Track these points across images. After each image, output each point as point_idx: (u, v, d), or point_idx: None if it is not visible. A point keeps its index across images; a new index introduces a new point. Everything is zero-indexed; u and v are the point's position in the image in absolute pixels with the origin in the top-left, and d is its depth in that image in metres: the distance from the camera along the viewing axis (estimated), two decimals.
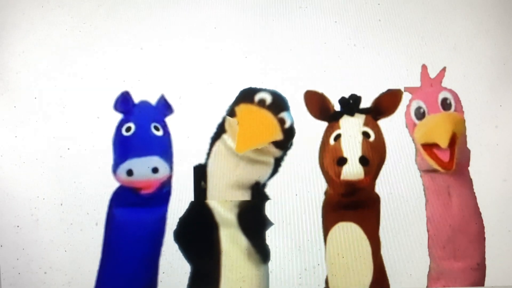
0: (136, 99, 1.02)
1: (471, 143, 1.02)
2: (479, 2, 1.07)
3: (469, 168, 1.02)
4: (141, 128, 1.00)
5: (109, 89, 1.02)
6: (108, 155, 1.00)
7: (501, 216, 1.01)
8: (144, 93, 1.02)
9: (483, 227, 1.00)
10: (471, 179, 1.02)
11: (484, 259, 1.00)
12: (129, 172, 0.98)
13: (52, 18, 1.03)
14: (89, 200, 0.99)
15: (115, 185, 0.99)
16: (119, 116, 1.01)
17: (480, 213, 1.01)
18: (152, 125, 1.01)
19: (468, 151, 1.02)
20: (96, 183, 0.99)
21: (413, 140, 1.02)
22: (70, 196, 0.99)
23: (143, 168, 0.98)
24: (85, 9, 1.03)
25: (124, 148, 1.00)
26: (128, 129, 1.00)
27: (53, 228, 0.99)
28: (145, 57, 1.02)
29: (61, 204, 0.99)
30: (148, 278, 0.98)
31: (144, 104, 1.02)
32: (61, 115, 1.00)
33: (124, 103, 1.01)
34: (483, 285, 0.99)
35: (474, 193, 1.01)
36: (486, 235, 1.00)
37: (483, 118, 1.03)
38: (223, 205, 0.99)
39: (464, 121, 1.02)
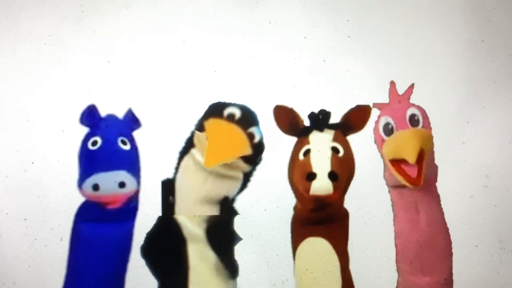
0: (103, 112, 1.01)
1: (439, 159, 1.03)
2: (448, 21, 1.08)
3: (437, 184, 1.02)
4: (108, 142, 0.98)
5: (75, 102, 1.00)
6: (73, 170, 0.98)
7: (468, 231, 1.02)
8: (111, 106, 1.01)
9: (451, 243, 1.00)
10: (438, 195, 1.02)
11: (451, 274, 1.00)
12: (95, 187, 0.96)
13: (17, 30, 1.01)
14: (54, 215, 0.98)
15: (81, 200, 0.97)
16: (85, 130, 1.00)
17: (447, 229, 1.01)
18: (119, 139, 0.99)
19: (436, 167, 1.02)
20: (61, 197, 0.98)
21: (381, 155, 1.02)
22: (34, 210, 0.98)
23: (109, 183, 0.96)
24: (51, 21, 1.02)
25: (90, 162, 0.98)
26: (95, 143, 0.98)
27: (17, 243, 0.97)
28: (112, 70, 1.02)
29: (25, 219, 0.98)
30: None
31: (111, 117, 1.01)
32: (25, 128, 0.99)
33: (90, 116, 1.00)
34: None
35: (442, 208, 1.01)
36: (453, 251, 1.00)
37: (451, 135, 1.05)
38: (191, 220, 0.98)
39: (432, 137, 1.01)
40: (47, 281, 0.97)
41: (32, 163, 0.99)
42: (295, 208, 1.01)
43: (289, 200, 1.00)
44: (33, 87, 1.01)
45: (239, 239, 0.99)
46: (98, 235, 0.97)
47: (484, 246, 1.02)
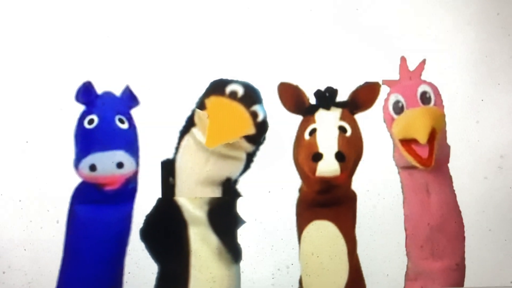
0: (99, 89, 0.99)
1: (451, 139, 1.01)
2: None
3: (449, 165, 1.00)
4: (105, 120, 0.97)
5: (71, 79, 0.98)
6: (69, 149, 0.97)
7: (481, 214, 1.00)
8: (108, 83, 0.99)
9: (463, 226, 0.99)
10: (450, 176, 1.00)
11: (463, 259, 0.98)
12: (92, 167, 0.95)
13: (11, 3, 0.99)
14: (50, 196, 0.96)
15: (77, 180, 0.96)
16: (81, 108, 0.98)
17: (459, 212, 0.99)
18: (117, 117, 0.98)
19: (448, 147, 1.01)
20: (57, 178, 0.96)
21: (391, 135, 1.00)
22: (30, 192, 0.96)
23: (107, 163, 0.95)
24: None
25: (87, 142, 0.96)
26: (91, 121, 0.97)
27: (12, 226, 0.96)
28: (110, 46, 0.99)
29: (20, 201, 0.96)
30: (112, 279, 0.96)
31: (108, 95, 0.99)
32: (20, 106, 0.97)
33: (86, 93, 0.98)
34: (462, 286, 0.98)
35: (454, 190, 1.00)
36: (465, 235, 0.99)
37: (464, 113, 1.02)
38: (193, 202, 0.96)
39: (444, 116, 1.00)
40: (43, 265, 0.95)
41: (27, 142, 0.97)
42: (300, 190, 0.99)
43: (294, 181, 0.99)
44: (28, 63, 0.98)
45: (242, 222, 0.98)
46: (95, 218, 0.96)
47: (498, 230, 1.00)
